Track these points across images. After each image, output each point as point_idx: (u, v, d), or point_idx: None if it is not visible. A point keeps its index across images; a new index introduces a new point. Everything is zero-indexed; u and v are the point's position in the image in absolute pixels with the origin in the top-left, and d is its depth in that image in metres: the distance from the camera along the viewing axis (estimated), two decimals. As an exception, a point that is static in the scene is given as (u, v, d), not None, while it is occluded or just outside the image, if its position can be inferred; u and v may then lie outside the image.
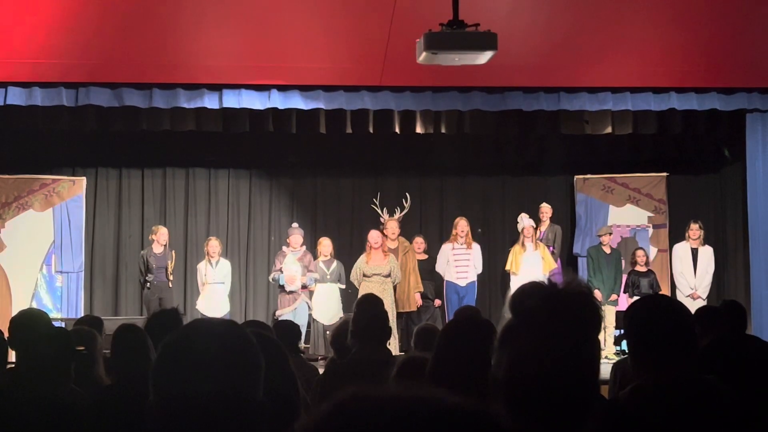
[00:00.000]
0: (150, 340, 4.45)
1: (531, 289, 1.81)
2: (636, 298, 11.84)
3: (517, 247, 13.33)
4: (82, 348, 4.12)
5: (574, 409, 1.74)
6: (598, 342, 1.82)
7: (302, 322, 11.69)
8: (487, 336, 2.82)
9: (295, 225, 13.43)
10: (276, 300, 13.31)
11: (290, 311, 12.48)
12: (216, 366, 1.73)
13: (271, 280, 13.22)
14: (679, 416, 2.67)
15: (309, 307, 12.78)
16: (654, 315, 2.88)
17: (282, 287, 12.79)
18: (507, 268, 13.33)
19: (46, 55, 10.87)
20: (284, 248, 13.21)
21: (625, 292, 12.97)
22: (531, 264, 13.05)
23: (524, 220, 13.41)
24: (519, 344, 1.75)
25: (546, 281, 1.81)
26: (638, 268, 13.01)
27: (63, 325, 10.90)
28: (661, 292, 12.24)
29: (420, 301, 12.88)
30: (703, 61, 11.54)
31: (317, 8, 10.34)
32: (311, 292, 12.88)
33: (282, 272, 12.75)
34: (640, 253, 13.19)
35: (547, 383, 1.71)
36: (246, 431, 1.72)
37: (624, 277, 13.21)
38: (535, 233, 13.40)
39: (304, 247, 13.11)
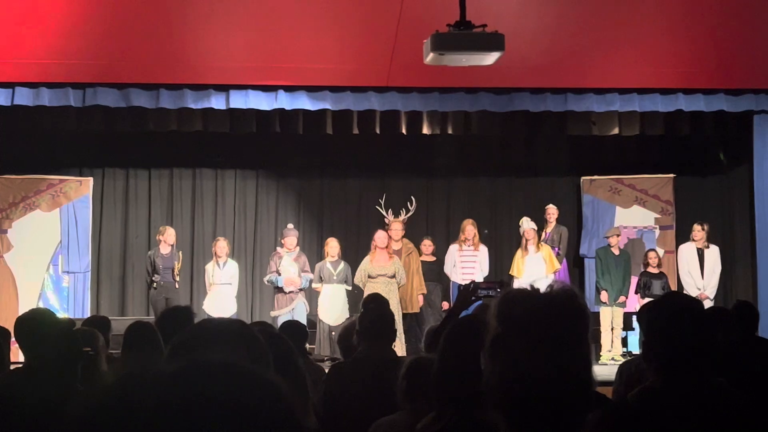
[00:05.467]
0: (161, 338, 4.46)
1: (515, 297, 1.82)
2: (648, 299, 11.85)
3: (519, 251, 13.33)
4: (88, 349, 4.13)
5: (571, 411, 1.75)
6: (588, 341, 1.82)
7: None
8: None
9: (290, 226, 13.40)
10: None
11: (288, 312, 12.47)
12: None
13: (266, 282, 13.17)
14: (688, 419, 2.66)
15: (306, 308, 12.77)
16: (676, 316, 2.85)
17: (279, 288, 12.77)
18: (511, 272, 13.33)
19: (53, 55, 10.88)
20: (279, 249, 13.18)
21: (636, 293, 12.93)
22: (534, 266, 13.03)
23: (524, 223, 13.40)
24: (509, 354, 1.75)
25: (529, 287, 1.81)
26: (650, 269, 12.98)
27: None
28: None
29: (422, 302, 12.87)
30: (711, 62, 11.53)
31: (324, 9, 10.34)
32: (316, 293, 12.88)
33: (279, 274, 12.73)
34: (652, 254, 13.15)
35: (542, 390, 1.71)
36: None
37: (634, 279, 13.18)
38: (537, 235, 13.36)
39: (299, 248, 13.09)
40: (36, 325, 3.91)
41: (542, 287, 1.80)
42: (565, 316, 1.76)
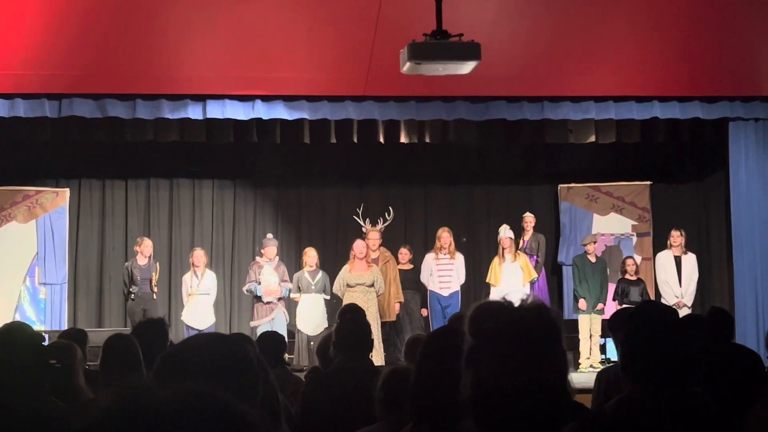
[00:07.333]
0: (140, 351, 4.42)
1: (487, 309, 1.81)
2: (625, 306, 11.87)
3: (496, 259, 13.32)
4: (53, 361, 4.08)
5: (546, 422, 1.74)
6: (561, 353, 1.82)
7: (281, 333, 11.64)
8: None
9: (269, 236, 13.38)
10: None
11: (267, 322, 12.44)
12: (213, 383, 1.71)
13: (246, 291, 13.13)
14: (665, 429, 2.66)
15: (286, 317, 12.74)
16: (651, 326, 2.85)
17: (258, 298, 12.74)
18: (487, 280, 13.32)
19: (28, 66, 10.82)
20: (258, 259, 13.16)
21: (614, 299, 12.95)
22: (511, 275, 13.03)
23: (501, 232, 13.39)
24: (481, 365, 1.75)
25: (502, 300, 1.81)
26: (628, 276, 13.00)
27: (46, 336, 10.80)
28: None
29: (399, 310, 12.85)
30: (686, 69, 11.59)
31: (301, 18, 10.33)
32: (295, 303, 12.85)
33: (259, 283, 12.70)
34: (629, 261, 13.19)
35: (515, 401, 1.71)
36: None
37: (611, 286, 13.20)
38: (514, 244, 13.35)
39: (278, 258, 13.07)
40: (9, 339, 3.88)
41: (516, 300, 1.80)
42: (535, 330, 1.76)
